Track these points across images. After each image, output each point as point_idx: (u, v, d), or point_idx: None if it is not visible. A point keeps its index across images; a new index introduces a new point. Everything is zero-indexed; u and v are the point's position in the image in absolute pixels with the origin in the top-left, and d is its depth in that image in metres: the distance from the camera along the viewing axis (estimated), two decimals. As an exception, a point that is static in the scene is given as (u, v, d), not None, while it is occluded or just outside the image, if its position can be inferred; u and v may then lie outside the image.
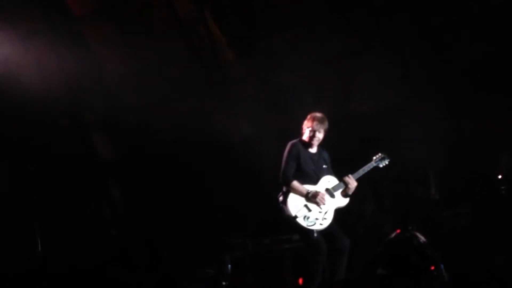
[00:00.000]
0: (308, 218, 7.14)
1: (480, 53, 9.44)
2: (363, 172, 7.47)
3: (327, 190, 7.31)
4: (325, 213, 7.22)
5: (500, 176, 8.65)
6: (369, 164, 7.53)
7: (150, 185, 10.79)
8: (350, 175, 7.36)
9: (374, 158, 7.57)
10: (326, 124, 7.43)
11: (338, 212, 7.46)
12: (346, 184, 7.33)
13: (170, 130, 10.41)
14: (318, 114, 7.44)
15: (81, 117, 10.84)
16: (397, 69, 9.86)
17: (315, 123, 7.38)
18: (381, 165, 7.57)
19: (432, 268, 7.20)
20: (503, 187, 8.65)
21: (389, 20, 9.84)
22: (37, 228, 8.81)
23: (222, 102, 10.48)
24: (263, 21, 10.25)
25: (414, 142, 9.47)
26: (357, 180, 7.37)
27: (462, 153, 9.48)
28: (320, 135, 7.42)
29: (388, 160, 7.58)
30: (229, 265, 8.93)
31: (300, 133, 7.52)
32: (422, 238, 7.52)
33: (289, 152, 7.38)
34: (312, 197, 7.20)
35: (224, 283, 8.57)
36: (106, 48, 10.66)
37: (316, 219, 7.16)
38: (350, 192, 7.34)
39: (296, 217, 7.12)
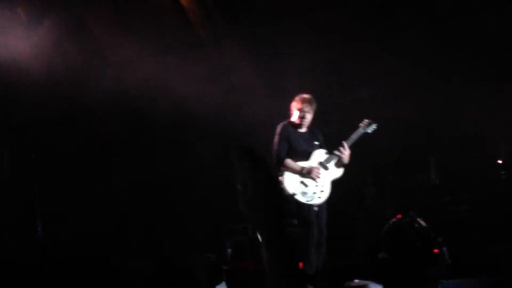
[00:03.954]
0: (306, 193, 7.35)
1: (481, 40, 9.45)
2: (353, 141, 7.65)
3: (320, 163, 7.50)
4: (322, 186, 7.46)
5: (500, 162, 8.69)
6: (357, 132, 7.70)
7: (150, 170, 10.79)
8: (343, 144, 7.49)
9: (361, 125, 7.73)
10: (314, 105, 7.60)
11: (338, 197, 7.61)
12: (339, 154, 7.41)
13: (170, 115, 10.40)
14: (306, 96, 7.61)
15: (82, 102, 10.81)
16: (396, 55, 9.87)
17: (304, 104, 7.55)
18: (369, 131, 7.74)
19: (436, 251, 7.25)
20: (503, 172, 8.69)
21: (389, 7, 9.84)
22: (38, 214, 8.82)
23: (222, 88, 10.49)
24: (263, 7, 10.26)
25: (414, 127, 9.50)
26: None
27: (463, 138, 9.49)
28: (309, 116, 7.61)
29: (375, 124, 7.72)
30: (230, 250, 8.97)
31: (288, 114, 7.66)
32: (423, 223, 7.56)
33: (280, 133, 7.58)
34: (306, 173, 7.41)
35: (224, 267, 8.60)
36: (106, 33, 10.66)
37: (314, 193, 7.37)
38: (345, 161, 7.52)
39: (294, 194, 7.34)
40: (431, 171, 9.47)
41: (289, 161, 7.45)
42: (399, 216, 7.70)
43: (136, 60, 10.65)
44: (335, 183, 7.63)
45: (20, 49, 10.03)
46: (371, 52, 9.97)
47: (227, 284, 8.56)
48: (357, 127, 7.73)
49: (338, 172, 7.59)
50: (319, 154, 7.57)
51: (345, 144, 7.53)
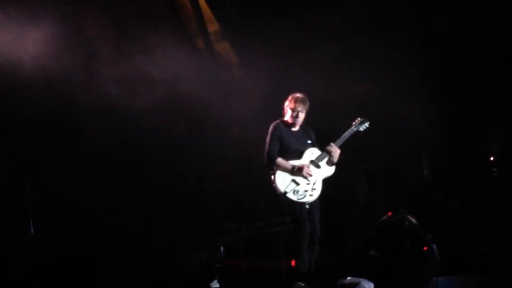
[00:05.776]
0: (297, 192, 7.34)
1: (471, 38, 9.47)
2: (345, 139, 7.61)
3: (311, 161, 7.51)
4: (314, 184, 7.44)
5: (492, 158, 8.71)
6: (349, 130, 7.67)
7: (142, 170, 10.79)
8: (332, 143, 7.48)
9: (354, 123, 7.72)
10: (307, 104, 7.57)
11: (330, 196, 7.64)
12: (329, 153, 7.44)
13: (161, 115, 10.40)
14: (299, 95, 7.58)
15: (74, 101, 10.80)
16: (389, 53, 9.88)
17: (297, 104, 7.52)
18: (361, 129, 7.73)
19: (425, 248, 7.26)
20: (495, 169, 8.71)
21: (380, 6, 9.87)
22: (30, 214, 8.81)
23: (216, 88, 10.49)
24: (256, 6, 10.27)
25: (407, 125, 9.51)
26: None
27: (455, 136, 9.50)
28: (302, 115, 7.58)
29: (367, 123, 7.72)
30: (222, 248, 9.00)
31: (281, 113, 7.65)
32: (413, 221, 7.57)
33: (272, 132, 7.57)
34: (297, 171, 7.39)
35: (217, 265, 8.63)
36: (98, 33, 10.65)
37: (305, 191, 7.36)
38: (334, 160, 7.53)
39: (286, 192, 7.33)
40: (424, 168, 9.48)
41: (280, 160, 7.44)
42: (390, 213, 7.70)
43: (128, 58, 10.64)
44: (328, 181, 7.63)
45: (12, 49, 10.01)
46: (362, 49, 9.98)
47: (220, 281, 8.59)
48: (349, 125, 7.72)
49: (330, 170, 7.59)
50: (311, 153, 7.56)
51: (334, 144, 7.52)
